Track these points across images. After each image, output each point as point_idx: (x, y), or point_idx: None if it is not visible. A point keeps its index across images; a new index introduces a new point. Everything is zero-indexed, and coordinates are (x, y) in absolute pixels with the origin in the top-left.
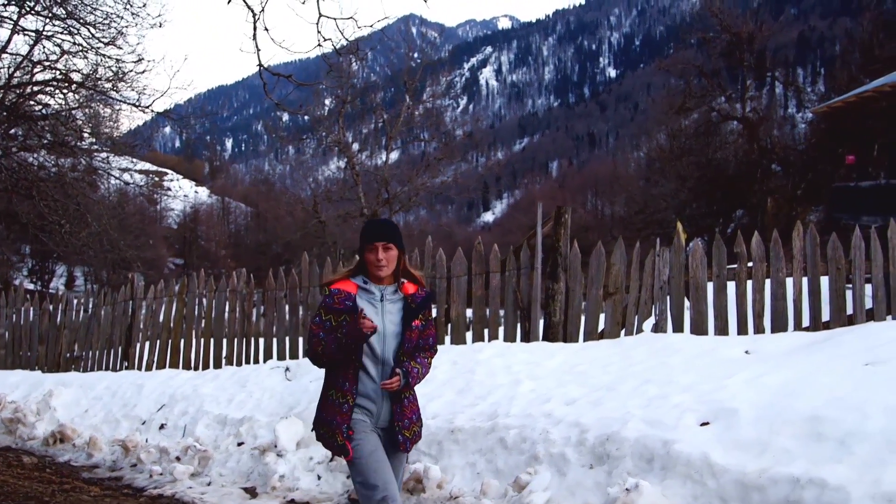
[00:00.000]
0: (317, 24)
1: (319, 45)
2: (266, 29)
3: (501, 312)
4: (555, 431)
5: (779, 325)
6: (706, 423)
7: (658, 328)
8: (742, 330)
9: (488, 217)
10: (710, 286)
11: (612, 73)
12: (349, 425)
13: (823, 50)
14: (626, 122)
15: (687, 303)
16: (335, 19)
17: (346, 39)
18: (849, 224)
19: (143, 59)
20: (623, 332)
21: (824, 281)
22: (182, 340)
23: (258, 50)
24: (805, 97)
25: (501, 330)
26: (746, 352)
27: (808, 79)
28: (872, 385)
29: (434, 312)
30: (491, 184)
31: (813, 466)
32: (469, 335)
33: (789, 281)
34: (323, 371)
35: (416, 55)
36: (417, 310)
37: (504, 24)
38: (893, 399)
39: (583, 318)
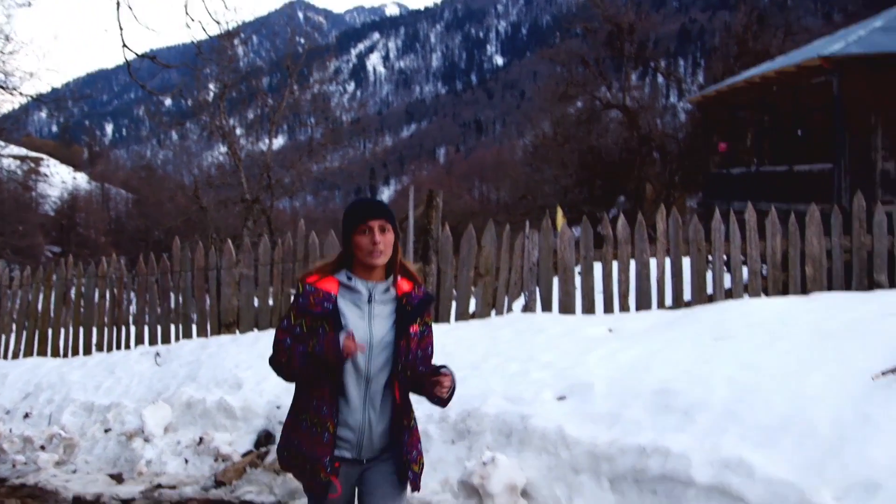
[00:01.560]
0: (185, 6)
1: (187, 26)
2: (130, 7)
3: None
4: (418, 409)
5: (643, 304)
6: (563, 398)
7: (527, 308)
8: (608, 309)
9: None
10: (577, 268)
11: (499, 60)
12: (332, 457)
13: (704, 42)
14: (513, 109)
15: (556, 284)
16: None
17: (217, 22)
18: (723, 209)
19: (10, 39)
20: (494, 312)
21: (686, 262)
22: (50, 328)
23: (121, 29)
24: (685, 87)
25: None
26: (609, 330)
27: (688, 69)
28: (718, 359)
29: None
30: (378, 170)
31: (659, 436)
32: None
33: (653, 262)
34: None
35: (301, 40)
36: (415, 313)
37: (392, 10)
38: (735, 371)
39: (454, 300)
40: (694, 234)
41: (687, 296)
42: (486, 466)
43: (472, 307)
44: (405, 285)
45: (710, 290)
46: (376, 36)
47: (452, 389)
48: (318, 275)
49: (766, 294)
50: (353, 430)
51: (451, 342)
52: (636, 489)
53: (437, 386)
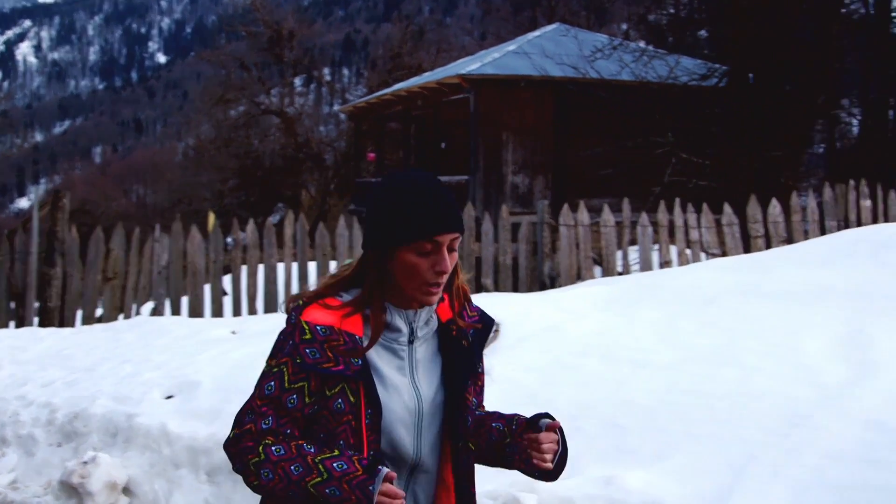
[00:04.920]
0: None
1: None
2: None
3: None
4: (25, 413)
5: (271, 307)
6: (171, 397)
7: (156, 312)
8: (237, 312)
9: (24, 203)
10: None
11: (161, 58)
12: None
13: (367, 53)
14: (175, 109)
15: (185, 287)
16: None
17: None
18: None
19: None
20: (122, 316)
21: (313, 266)
22: None
23: None
24: (349, 96)
25: None
26: (233, 332)
27: (353, 79)
28: None
29: None
30: (27, 168)
31: None
32: None
33: (281, 266)
34: None
35: None
36: (477, 349)
37: None
38: None
39: (81, 305)
40: (320, 239)
41: None
42: (87, 465)
43: (99, 311)
44: (447, 305)
45: None
46: (28, 23)
47: (562, 451)
48: (331, 304)
49: None
50: None
51: (71, 346)
52: (230, 479)
53: (536, 450)
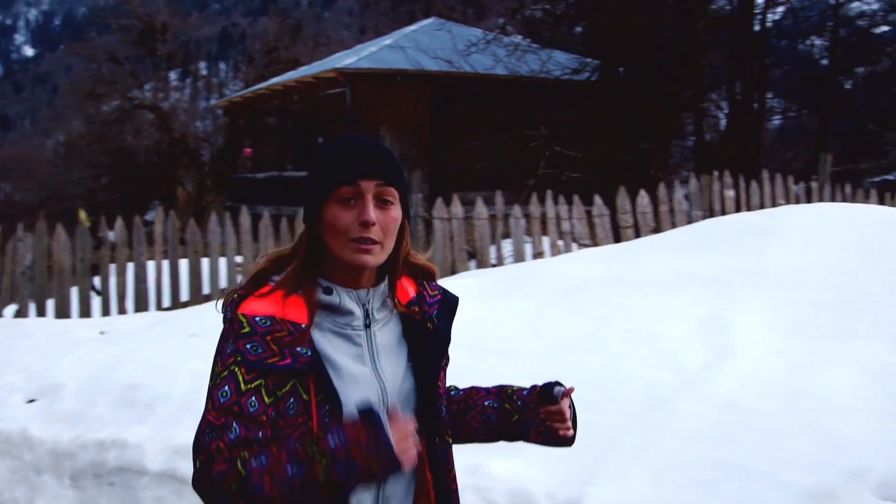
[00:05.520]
0: None
1: None
2: None
3: None
4: None
5: (141, 306)
6: (33, 400)
7: (20, 314)
8: (106, 312)
9: None
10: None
11: (29, 51)
12: None
13: (244, 46)
14: (43, 104)
15: (51, 288)
16: None
17: None
18: (255, 213)
19: None
20: None
21: (185, 263)
22: None
23: None
24: (226, 91)
25: None
26: (102, 332)
27: (230, 73)
28: (187, 353)
29: None
30: None
31: (120, 430)
32: None
33: (151, 264)
34: None
35: None
36: (444, 330)
37: None
38: (200, 364)
39: None
40: (191, 236)
41: (185, 296)
42: None
43: None
44: (409, 287)
45: (206, 289)
46: None
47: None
48: (266, 292)
49: None
50: None
51: None
52: (95, 483)
53: (560, 422)
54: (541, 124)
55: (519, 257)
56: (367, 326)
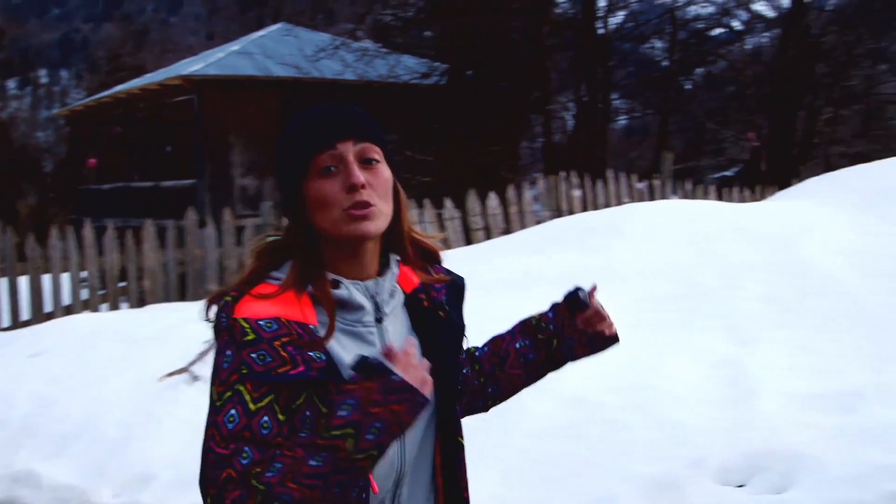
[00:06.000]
0: None
1: None
2: None
3: None
4: None
5: None
6: None
7: None
8: None
9: None
10: None
11: None
12: None
13: (87, 53)
14: None
15: None
16: None
17: None
18: (100, 226)
19: None
20: None
21: (24, 280)
22: None
23: None
24: (69, 99)
25: None
26: None
27: (72, 81)
28: (28, 375)
29: None
30: None
31: None
32: None
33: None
34: None
35: None
36: (455, 317)
37: None
38: (41, 386)
39: None
40: (31, 252)
41: (25, 315)
42: None
43: None
44: (408, 270)
45: (49, 307)
46: None
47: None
48: (266, 291)
49: (108, 308)
50: None
51: None
52: None
53: (601, 323)
54: (391, 129)
55: None
56: (379, 322)
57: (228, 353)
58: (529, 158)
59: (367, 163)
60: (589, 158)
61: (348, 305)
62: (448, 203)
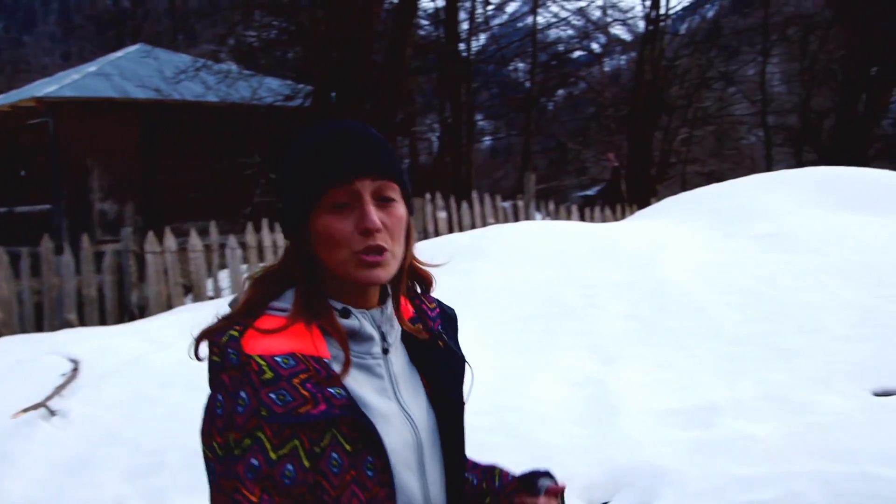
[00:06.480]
0: None
1: None
2: None
3: None
4: None
5: None
6: None
7: None
8: None
9: None
10: None
11: None
12: None
13: None
14: None
15: None
16: None
17: None
18: None
19: None
20: None
21: None
22: None
23: None
24: None
25: None
26: None
27: None
28: None
29: None
30: None
31: None
32: None
33: None
34: None
35: None
36: (455, 347)
37: None
38: None
39: None
40: None
41: None
42: None
43: None
44: (402, 300)
45: None
46: None
47: None
48: (273, 324)
49: None
50: None
51: None
52: None
53: None
54: (255, 152)
55: (237, 288)
56: (385, 353)
57: (243, 394)
58: None
59: (382, 200)
60: (454, 180)
61: (358, 336)
62: None
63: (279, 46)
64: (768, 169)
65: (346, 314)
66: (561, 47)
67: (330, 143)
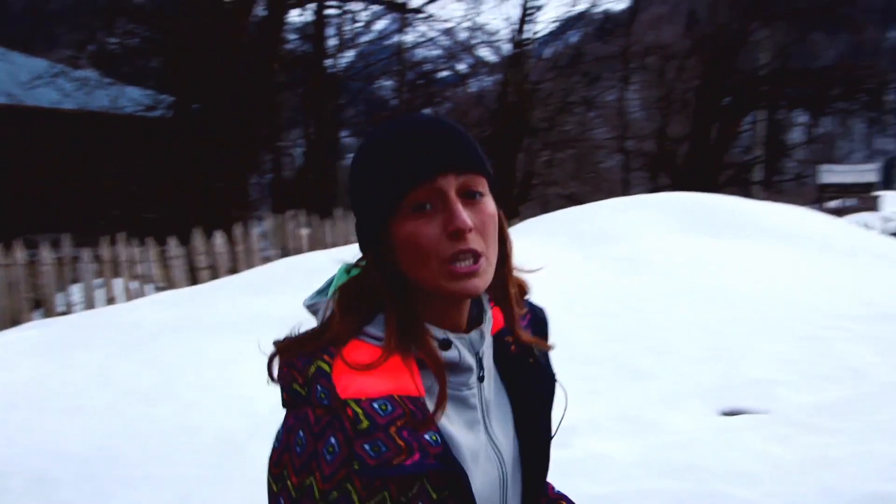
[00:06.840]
0: None
1: None
2: None
3: None
4: None
5: None
6: None
7: None
8: None
9: None
10: None
11: None
12: None
13: None
14: None
15: None
16: None
17: None
18: None
19: None
20: None
21: None
22: None
23: None
24: None
25: None
26: None
27: None
28: None
29: None
30: None
31: None
32: None
33: None
34: None
35: None
36: (544, 363)
37: None
38: None
39: None
40: None
41: None
42: None
43: None
44: (495, 311)
45: None
46: None
47: None
48: (366, 357)
49: None
50: None
51: None
52: None
53: None
54: (114, 162)
55: (90, 304)
56: (480, 380)
57: (333, 441)
58: (258, 195)
59: (469, 196)
60: (318, 196)
61: (457, 368)
62: (172, 241)
63: (142, 55)
64: (625, 193)
65: (445, 345)
66: (428, 66)
67: (406, 140)
